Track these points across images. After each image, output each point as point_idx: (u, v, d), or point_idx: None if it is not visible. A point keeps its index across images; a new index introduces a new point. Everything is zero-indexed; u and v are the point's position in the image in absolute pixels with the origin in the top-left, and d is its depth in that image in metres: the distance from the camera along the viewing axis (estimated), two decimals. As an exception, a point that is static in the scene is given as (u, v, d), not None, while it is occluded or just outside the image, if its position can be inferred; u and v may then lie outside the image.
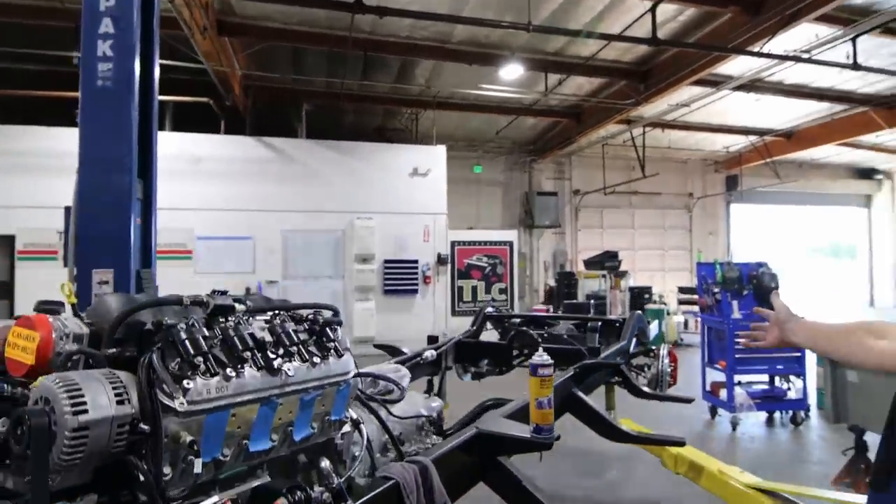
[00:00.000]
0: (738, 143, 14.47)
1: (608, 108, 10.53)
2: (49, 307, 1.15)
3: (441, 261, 10.03)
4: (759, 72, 8.94)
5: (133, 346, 0.98)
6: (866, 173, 17.41)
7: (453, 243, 10.40)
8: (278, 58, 8.89)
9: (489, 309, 4.15)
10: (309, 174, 9.42)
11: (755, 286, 5.84)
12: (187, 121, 9.16)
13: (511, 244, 11.04)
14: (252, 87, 9.51)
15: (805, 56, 8.18)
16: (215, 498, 0.96)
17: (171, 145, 7.81)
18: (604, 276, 11.29)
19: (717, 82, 9.39)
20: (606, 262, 11.25)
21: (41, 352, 0.93)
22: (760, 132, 13.38)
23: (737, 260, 17.37)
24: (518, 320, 4.10)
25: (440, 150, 10.31)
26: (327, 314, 1.35)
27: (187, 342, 0.94)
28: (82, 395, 0.82)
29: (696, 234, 16.98)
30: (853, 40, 7.87)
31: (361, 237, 9.44)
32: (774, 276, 5.94)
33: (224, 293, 1.13)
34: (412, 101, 10.67)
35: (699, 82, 9.31)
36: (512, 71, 8.72)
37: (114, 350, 0.96)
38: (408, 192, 9.93)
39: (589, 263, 12.20)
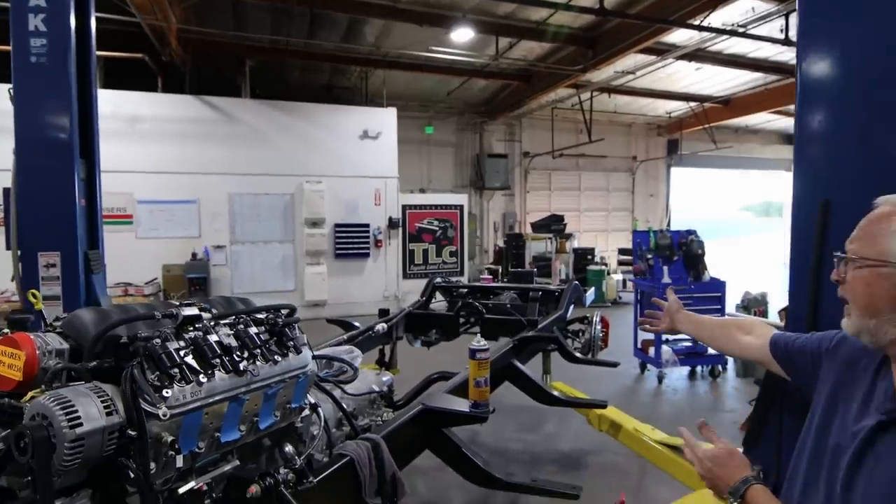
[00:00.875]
0: (679, 109, 15.02)
1: (558, 73, 10.66)
2: (18, 319, 1.24)
3: (392, 224, 10.13)
4: (700, 42, 9.28)
5: (111, 359, 1.10)
6: (793, 139, 18.51)
7: (404, 207, 10.48)
8: (219, 11, 8.44)
9: (438, 279, 4.36)
10: (255, 135, 9.17)
11: (685, 252, 6.32)
12: (121, 77, 8.64)
13: (461, 208, 11.23)
14: (191, 42, 9.00)
15: (741, 30, 8.57)
16: (192, 484, 1.12)
17: (105, 104, 7.36)
18: (550, 238, 11.74)
19: (661, 51, 9.68)
20: (553, 225, 11.67)
21: (28, 368, 1.03)
22: (700, 99, 13.92)
23: (674, 221, 18.31)
24: (465, 290, 4.35)
25: (391, 113, 10.22)
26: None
27: (163, 356, 1.06)
28: (76, 410, 0.94)
29: (639, 196, 17.73)
30: (786, 16, 8.28)
31: (311, 201, 9.36)
32: (701, 243, 6.43)
33: (191, 304, 1.24)
34: (361, 60, 10.42)
35: (645, 50, 9.56)
36: (463, 34, 8.67)
37: (94, 363, 1.08)
38: (358, 156, 9.84)
39: (536, 226, 12.61)
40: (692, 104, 14.26)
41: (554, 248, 11.81)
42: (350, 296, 9.66)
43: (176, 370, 1.07)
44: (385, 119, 10.07)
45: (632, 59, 10.21)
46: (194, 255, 8.60)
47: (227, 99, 9.18)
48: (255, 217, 9.24)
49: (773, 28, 8.69)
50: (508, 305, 3.93)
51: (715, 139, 14.92)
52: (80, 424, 0.94)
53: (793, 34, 8.67)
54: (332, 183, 9.54)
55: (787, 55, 10.68)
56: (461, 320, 3.72)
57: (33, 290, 1.34)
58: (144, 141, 8.38)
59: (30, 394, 0.99)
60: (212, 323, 1.24)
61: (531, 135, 15.46)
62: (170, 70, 9.10)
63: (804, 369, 1.21)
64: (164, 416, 1.01)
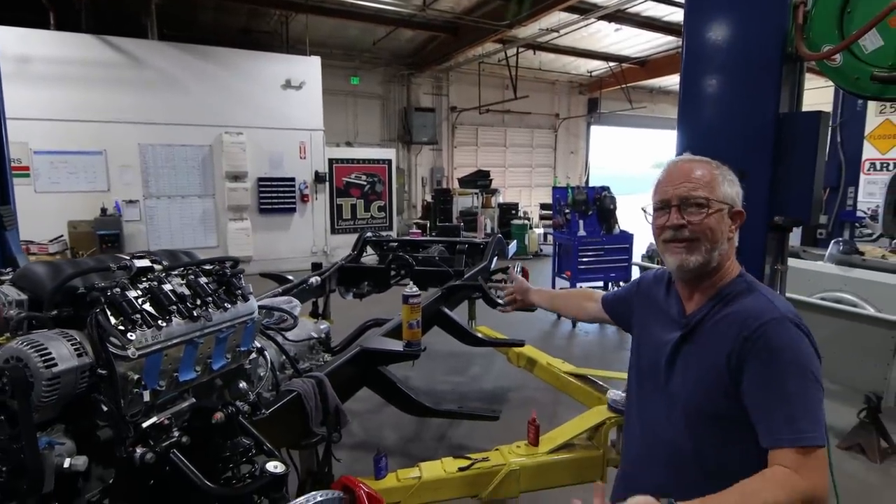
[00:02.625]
0: (600, 68, 15.55)
1: (485, 28, 10.67)
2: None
3: (319, 178, 9.96)
4: (620, 3, 9.63)
5: (69, 308, 1.17)
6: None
7: (331, 161, 10.30)
8: (118, -60, 7.66)
9: (369, 234, 4.48)
10: (167, 82, 8.55)
11: (599, 207, 6.82)
12: (5, 11, 7.70)
13: (389, 162, 11.19)
14: (86, -27, 8.14)
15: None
16: (154, 418, 1.24)
17: (-14, 40, 6.62)
18: (476, 193, 12.04)
19: (584, 10, 9.94)
20: (479, 180, 11.95)
21: None
22: (619, 59, 14.48)
23: (592, 177, 19.21)
24: (395, 244, 4.51)
25: (315, 62, 9.85)
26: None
27: (125, 303, 1.15)
28: (50, 352, 1.02)
29: (560, 153, 18.41)
30: None
31: (231, 153, 8.98)
32: (614, 198, 6.95)
33: (142, 256, 1.32)
34: (282, 3, 9.88)
35: (569, 9, 9.78)
36: (389, -19, 8.44)
37: (55, 312, 1.14)
38: (281, 106, 9.48)
39: (463, 182, 12.85)
40: (611, 64, 14.81)
41: (480, 204, 12.15)
42: (277, 252, 9.50)
43: (137, 316, 1.16)
44: (309, 68, 9.71)
45: (556, 17, 10.41)
46: (104, 210, 8.08)
47: (132, 40, 8.44)
48: (171, 170, 8.75)
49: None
50: (437, 258, 4.14)
51: (631, 99, 15.66)
52: (55, 364, 1.03)
53: (702, 1, 9.22)
54: (253, 135, 9.17)
55: (697, 20, 11.35)
56: (392, 273, 3.89)
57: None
58: (37, 84, 7.59)
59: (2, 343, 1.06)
60: (163, 274, 1.33)
61: (458, 89, 15.46)
62: (63, 5, 8.19)
63: (626, 314, 1.47)
64: (133, 355, 1.12)
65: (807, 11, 1.57)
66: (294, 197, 9.64)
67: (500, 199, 13.07)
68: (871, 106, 10.31)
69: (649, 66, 14.70)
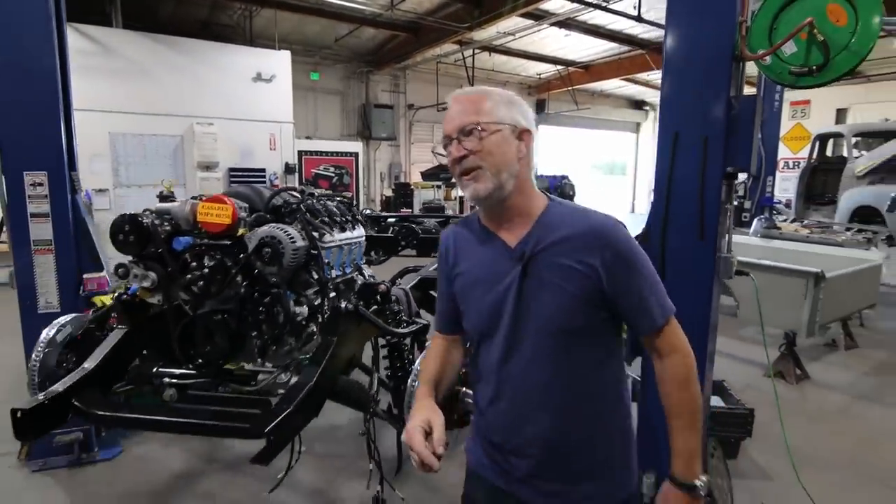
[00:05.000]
0: (548, 71, 16.56)
1: (446, 29, 11.28)
2: (167, 196, 1.74)
3: (289, 170, 10.24)
4: (571, 12, 10.52)
5: (272, 215, 1.67)
6: (638, 105, 21.35)
7: (300, 152, 10.60)
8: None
9: (367, 211, 5.00)
10: (137, 71, 8.61)
11: (560, 193, 7.60)
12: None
13: (356, 155, 11.61)
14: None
15: (604, 4, 9.93)
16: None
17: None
18: (438, 186, 12.65)
19: (539, 16, 10.78)
20: (441, 174, 12.56)
21: (233, 217, 1.57)
22: (566, 63, 15.53)
23: (541, 174, 20.29)
24: (393, 219, 5.05)
25: (285, 56, 10.13)
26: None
27: (315, 212, 1.67)
28: (292, 234, 1.53)
29: (511, 151, 19.33)
30: None
31: (203, 143, 9.13)
32: (573, 185, 7.76)
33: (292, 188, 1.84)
34: (249, -4, 10.09)
35: (525, 14, 10.58)
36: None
37: (269, 216, 1.64)
38: (252, 99, 9.70)
39: (425, 175, 13.43)
40: (559, 67, 15.84)
41: (442, 196, 12.77)
42: (248, 240, 9.70)
43: (327, 218, 1.69)
44: (279, 62, 9.98)
45: (512, 22, 11.19)
46: (75, 198, 8.06)
47: (101, 28, 8.45)
48: (142, 159, 8.81)
49: (627, 5, 10.19)
50: (434, 230, 4.73)
51: (576, 101, 16.76)
52: (294, 242, 1.54)
53: (644, 12, 10.26)
54: (224, 126, 9.35)
55: (638, 30, 12.45)
56: (400, 241, 4.45)
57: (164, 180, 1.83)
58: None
59: (241, 231, 1.55)
60: (323, 198, 1.85)
61: (416, 87, 16.01)
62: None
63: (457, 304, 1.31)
64: (326, 244, 1.65)
65: (748, 26, 2.28)
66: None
67: (459, 193, 13.73)
68: (785, 111, 11.77)
69: (593, 70, 15.83)
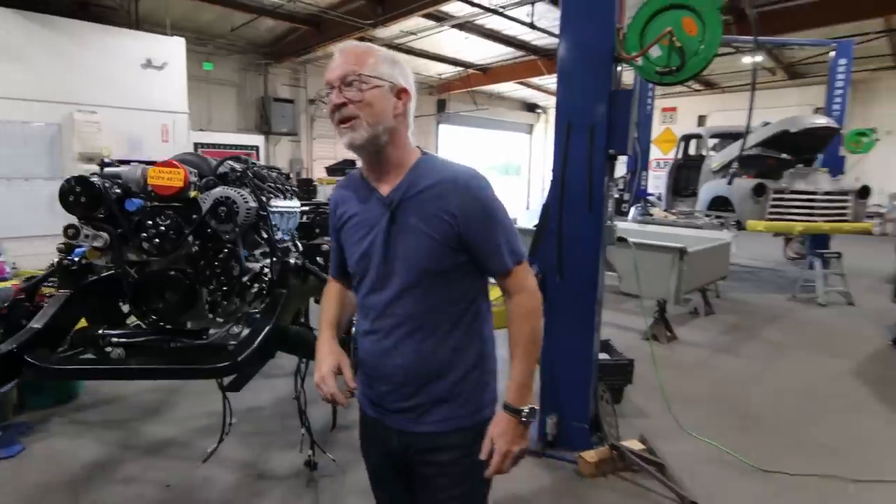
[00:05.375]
0: (448, 72, 17.10)
1: (348, 24, 11.31)
2: (108, 163, 1.81)
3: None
4: (470, 16, 11.05)
5: (219, 180, 1.79)
6: (531, 107, 22.69)
7: (196, 145, 10.11)
8: None
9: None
10: (5, 51, 7.77)
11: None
12: None
13: (257, 149, 11.28)
14: None
15: (501, 10, 10.57)
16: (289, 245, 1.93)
17: None
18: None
19: (440, 18, 11.19)
20: (347, 169, 12.56)
21: (185, 180, 1.67)
22: (466, 65, 16.16)
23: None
24: (307, 207, 5.14)
25: (179, 43, 9.61)
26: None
27: (266, 177, 1.82)
28: (245, 194, 1.66)
29: (414, 149, 19.68)
30: (532, 4, 10.52)
31: (85, 133, 8.40)
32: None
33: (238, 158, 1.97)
34: (136, -22, 9.46)
35: (427, 15, 10.93)
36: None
37: (216, 180, 1.76)
38: (141, 87, 9.08)
39: (331, 170, 13.34)
40: (459, 69, 16.44)
41: (347, 192, 12.73)
42: (140, 237, 9.08)
43: (270, 185, 1.85)
44: (172, 49, 9.44)
45: (414, 22, 11.50)
46: (-73, 190, 7.09)
47: (-41, 1, 7.52)
48: (13, 149, 7.93)
49: (522, 12, 10.93)
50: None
51: (475, 101, 17.50)
52: (247, 202, 1.69)
53: (536, 20, 11.06)
54: (110, 114, 8.66)
55: (531, 36, 13.32)
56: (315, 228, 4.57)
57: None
58: None
59: (193, 193, 1.67)
60: (263, 168, 1.99)
61: (317, 82, 15.77)
62: None
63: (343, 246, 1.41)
64: (276, 206, 1.81)
65: (624, 33, 2.76)
66: (158, 180, 9.29)
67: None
68: (657, 117, 13.24)
69: (490, 72, 16.62)
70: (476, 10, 10.50)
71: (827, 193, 7.07)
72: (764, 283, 8.12)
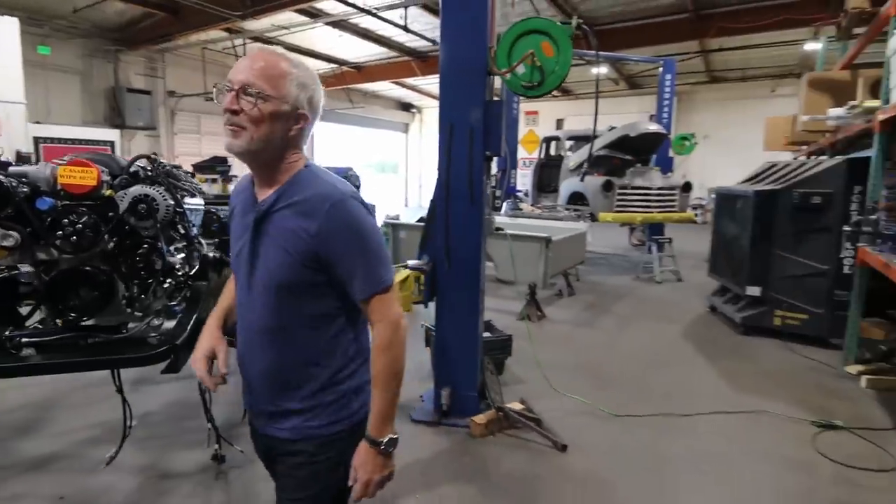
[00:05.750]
0: (322, 68, 16.88)
1: (212, 14, 10.74)
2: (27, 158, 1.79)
3: (22, 159, 8.60)
4: (345, 14, 11.11)
5: (131, 178, 1.84)
6: (406, 107, 23.17)
7: (36, 140, 8.99)
8: None
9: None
10: None
11: (347, 184, 8.16)
12: None
13: (113, 144, 10.29)
14: None
15: (374, 11, 10.78)
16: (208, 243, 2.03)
17: None
18: (214, 179, 11.97)
19: (315, 14, 11.09)
20: (218, 166, 11.93)
21: (98, 179, 1.69)
22: (340, 62, 16.11)
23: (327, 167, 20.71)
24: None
25: (11, 24, 8.47)
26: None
27: (178, 176, 1.90)
28: (163, 192, 1.74)
29: (288, 146, 19.13)
30: (405, 8, 10.88)
31: None
32: (357, 177, 8.40)
33: (148, 158, 2.02)
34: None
35: (301, 11, 10.78)
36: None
37: (130, 179, 1.81)
38: (-38, 71, 7.91)
39: (199, 167, 12.54)
40: (333, 65, 16.33)
41: (220, 190, 12.12)
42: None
43: (183, 184, 1.94)
44: (3, 30, 8.31)
45: (286, 16, 11.27)
46: None
47: None
48: None
49: (396, 15, 11.25)
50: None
51: (351, 99, 17.50)
52: (166, 199, 1.77)
53: (410, 23, 11.44)
54: (-78, 103, 7.44)
55: (403, 38, 13.70)
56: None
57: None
58: None
59: (108, 192, 1.71)
60: (173, 168, 2.06)
61: (178, 73, 14.70)
62: None
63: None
64: (188, 205, 1.91)
65: (494, 51, 3.19)
66: (-11, 179, 8.12)
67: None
68: (522, 119, 14.37)
69: (365, 71, 16.74)
70: (350, 9, 10.59)
71: (660, 189, 8.37)
72: (613, 267, 9.36)
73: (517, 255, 5.43)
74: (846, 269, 4.87)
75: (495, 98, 3.35)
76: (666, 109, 10.02)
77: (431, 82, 18.68)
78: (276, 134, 1.20)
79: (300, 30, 12.04)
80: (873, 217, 4.21)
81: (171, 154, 14.93)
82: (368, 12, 10.73)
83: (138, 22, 12.51)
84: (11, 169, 1.76)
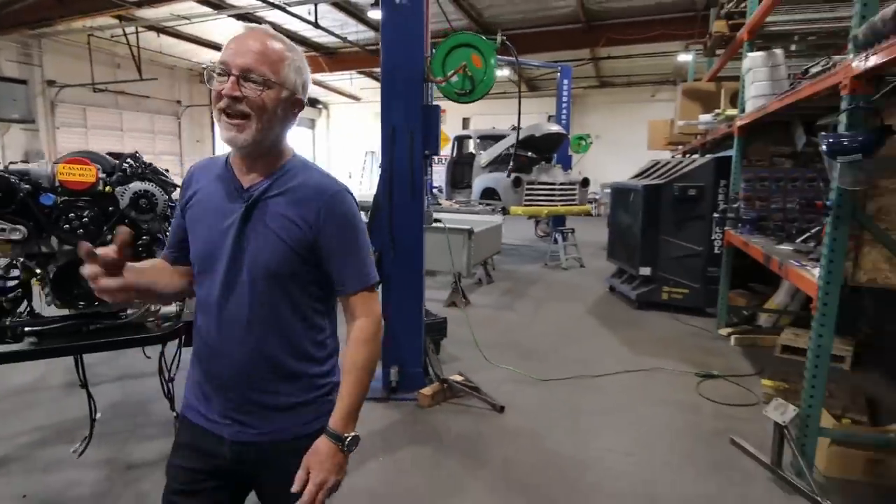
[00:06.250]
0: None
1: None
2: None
3: None
4: (253, 8, 10.86)
5: (123, 175, 1.97)
6: (313, 102, 22.77)
7: None
8: None
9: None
10: None
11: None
12: None
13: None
14: None
15: (284, 6, 10.66)
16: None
17: None
18: (109, 177, 11.17)
19: (219, 6, 10.72)
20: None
21: (96, 177, 1.81)
22: (243, 55, 15.54)
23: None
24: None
25: None
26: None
27: (162, 173, 2.05)
28: (161, 189, 1.89)
29: (186, 141, 18.12)
30: (315, 4, 10.87)
31: None
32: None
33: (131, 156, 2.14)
34: None
35: (204, 1, 10.39)
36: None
37: (125, 175, 1.94)
38: None
39: (90, 165, 11.63)
40: (234, 58, 15.71)
41: (113, 189, 11.31)
42: None
43: (162, 179, 2.10)
44: None
45: (188, 6, 10.79)
46: None
47: None
48: None
49: (304, 10, 11.19)
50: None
51: (256, 93, 16.91)
52: (164, 194, 1.94)
53: (319, 19, 11.44)
54: None
55: (311, 34, 13.58)
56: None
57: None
58: None
59: (107, 188, 1.85)
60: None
61: (59, 61, 13.44)
62: None
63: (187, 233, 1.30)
64: (170, 195, 2.08)
65: (430, 61, 3.56)
66: None
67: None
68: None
69: (270, 65, 16.30)
70: (258, 2, 10.40)
71: (562, 184, 9.20)
72: (524, 257, 10.13)
73: (442, 245, 5.84)
74: (716, 250, 5.84)
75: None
76: (564, 111, 10.97)
77: (338, 79, 18.63)
78: (278, 122, 1.18)
79: (204, 20, 11.56)
80: (735, 205, 5.12)
81: (52, 150, 13.64)
82: (279, 7, 10.60)
83: (11, 3, 11.29)
84: (13, 167, 1.82)
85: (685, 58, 11.64)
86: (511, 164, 8.73)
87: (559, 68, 11.13)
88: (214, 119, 1.16)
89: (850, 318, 4.80)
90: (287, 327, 1.23)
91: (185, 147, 17.91)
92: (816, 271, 2.82)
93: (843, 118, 2.54)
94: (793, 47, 5.38)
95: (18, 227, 1.73)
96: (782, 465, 2.87)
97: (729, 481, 2.86)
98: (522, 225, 12.54)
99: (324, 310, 1.30)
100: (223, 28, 12.76)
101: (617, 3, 11.34)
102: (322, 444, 1.21)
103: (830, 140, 2.45)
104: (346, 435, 1.21)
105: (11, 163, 1.91)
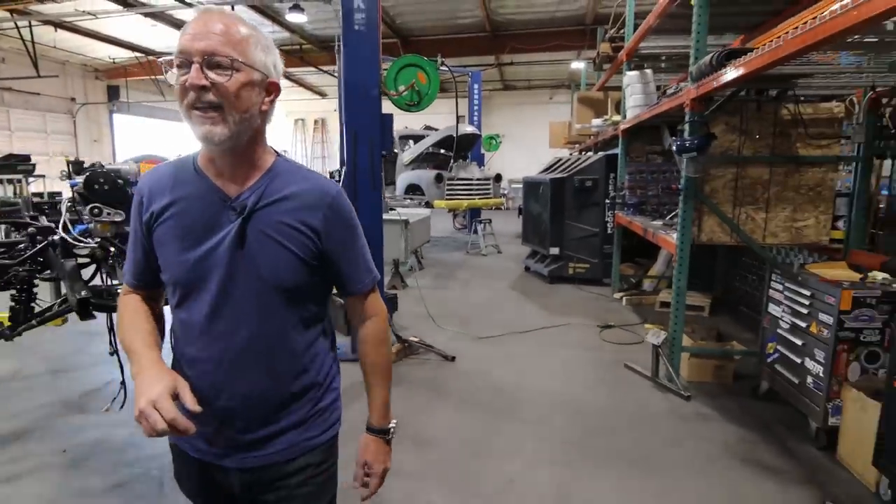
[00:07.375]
0: (124, 56, 15.53)
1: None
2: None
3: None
4: (167, 8, 10.78)
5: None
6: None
7: None
8: None
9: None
10: None
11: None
12: None
13: None
14: None
15: (198, 4, 10.71)
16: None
17: None
18: (10, 180, 10.52)
19: (131, 4, 10.51)
20: (19, 165, 10.52)
21: None
22: (147, 52, 15.05)
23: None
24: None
25: None
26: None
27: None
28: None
29: (82, 141, 17.09)
30: (233, 6, 11.00)
31: None
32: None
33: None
34: None
35: None
36: None
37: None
38: None
39: (-11, 167, 10.85)
40: (138, 54, 15.16)
41: (14, 192, 10.69)
42: None
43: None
44: None
45: (97, 3, 10.48)
46: None
47: None
48: None
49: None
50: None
51: (163, 92, 16.40)
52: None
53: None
54: None
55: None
56: None
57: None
58: None
59: None
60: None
61: (-65, 54, 12.29)
62: None
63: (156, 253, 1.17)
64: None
65: (384, 76, 4.32)
66: None
67: (32, 188, 11.66)
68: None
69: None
70: (173, 2, 10.38)
71: (479, 180, 10.24)
72: (446, 246, 11.09)
73: (389, 237, 6.57)
74: (609, 230, 7.12)
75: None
76: (476, 113, 12.06)
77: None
78: (253, 109, 1.06)
79: (111, 17, 11.23)
80: (622, 193, 6.38)
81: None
82: (189, 5, 10.61)
83: None
84: (108, 167, 2.30)
85: (577, 65, 13.21)
86: (452, 162, 9.60)
87: (469, 73, 12.19)
88: (183, 117, 1.03)
89: (708, 280, 6.26)
90: (292, 344, 1.18)
91: (81, 147, 16.90)
92: (675, 235, 3.98)
93: (686, 127, 3.68)
94: (662, 65, 6.74)
95: (120, 211, 2.25)
96: (659, 375, 4.01)
97: (625, 389, 3.94)
98: (442, 218, 13.50)
99: (321, 319, 1.26)
100: (128, 25, 12.42)
101: (519, 16, 12.63)
102: (371, 441, 1.32)
103: (678, 142, 3.57)
104: (389, 426, 1.33)
105: (99, 164, 2.41)
